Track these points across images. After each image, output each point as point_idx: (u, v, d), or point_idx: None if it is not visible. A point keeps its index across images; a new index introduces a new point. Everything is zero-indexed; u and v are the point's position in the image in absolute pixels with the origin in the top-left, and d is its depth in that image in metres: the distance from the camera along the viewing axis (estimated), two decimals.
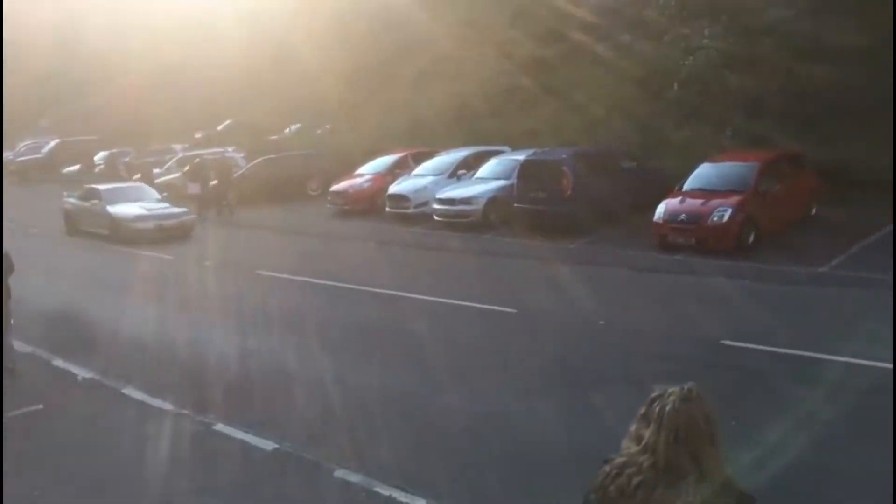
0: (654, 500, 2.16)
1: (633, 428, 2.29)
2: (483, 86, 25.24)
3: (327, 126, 30.44)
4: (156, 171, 28.00)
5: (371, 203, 20.49)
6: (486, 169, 18.99)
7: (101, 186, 21.01)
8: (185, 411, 7.64)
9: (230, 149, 28.33)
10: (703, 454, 2.16)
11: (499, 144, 21.33)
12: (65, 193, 22.11)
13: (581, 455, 5.33)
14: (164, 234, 18.60)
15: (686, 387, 2.24)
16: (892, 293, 10.11)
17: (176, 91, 36.79)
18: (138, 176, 27.22)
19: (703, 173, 14.63)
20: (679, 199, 14.12)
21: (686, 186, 14.46)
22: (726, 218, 13.26)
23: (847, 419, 6.57)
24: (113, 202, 19.53)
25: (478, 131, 23.45)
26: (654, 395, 2.26)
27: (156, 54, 39.59)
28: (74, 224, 20.68)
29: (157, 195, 20.94)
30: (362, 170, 22.31)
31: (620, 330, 9.57)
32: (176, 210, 19.71)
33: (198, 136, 34.92)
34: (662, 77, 20.09)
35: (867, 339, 8.52)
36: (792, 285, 11.39)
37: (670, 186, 14.76)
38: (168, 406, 7.81)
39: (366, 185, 21.34)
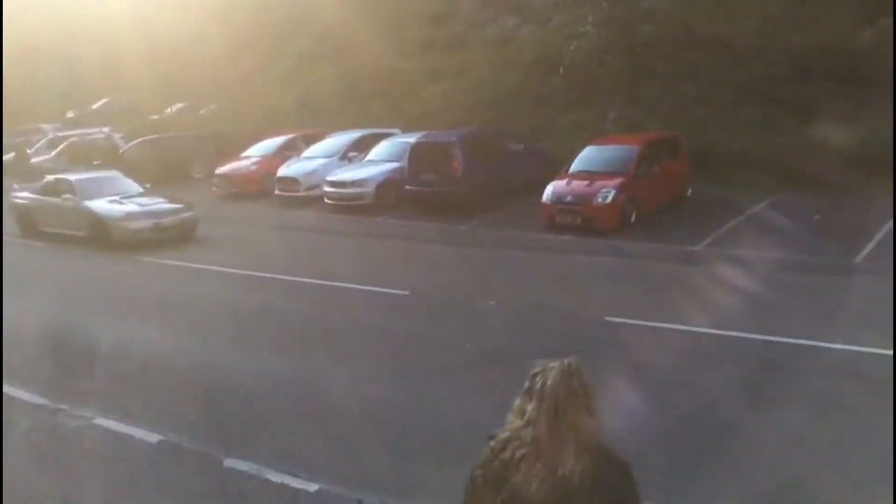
0: (537, 471, 2.24)
1: (517, 403, 2.36)
2: (372, 66, 25.03)
3: (211, 106, 29.42)
4: (27, 151, 26.25)
5: (259, 186, 19.99)
6: (377, 151, 18.89)
7: (73, 177, 17.00)
8: (63, 406, 7.27)
9: (106, 129, 26.91)
10: (582, 425, 2.26)
11: (389, 126, 21.26)
12: (15, 186, 18.96)
13: (469, 432, 5.44)
14: (162, 236, 15.27)
15: (566, 361, 2.33)
16: (755, 270, 10.89)
17: (44, 68, 34.53)
18: (12, 155, 25.40)
19: (587, 156, 15.12)
20: (566, 180, 14.55)
21: (572, 168, 14.91)
22: (610, 199, 13.77)
23: (723, 385, 7.05)
24: (90, 196, 15.84)
25: (367, 113, 23.31)
26: (535, 370, 2.34)
27: (23, 28, 36.95)
28: (33, 224, 16.91)
29: (137, 187, 16.86)
30: (249, 152, 21.72)
31: (511, 309, 9.79)
32: (172, 205, 15.99)
33: (70, 115, 33.03)
34: (549, 61, 20.57)
35: (735, 313, 9.13)
36: (669, 263, 11.99)
37: (557, 168, 15.19)
38: (44, 401, 7.40)
39: (253, 167, 20.80)
